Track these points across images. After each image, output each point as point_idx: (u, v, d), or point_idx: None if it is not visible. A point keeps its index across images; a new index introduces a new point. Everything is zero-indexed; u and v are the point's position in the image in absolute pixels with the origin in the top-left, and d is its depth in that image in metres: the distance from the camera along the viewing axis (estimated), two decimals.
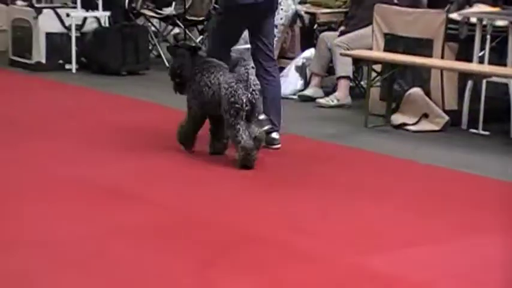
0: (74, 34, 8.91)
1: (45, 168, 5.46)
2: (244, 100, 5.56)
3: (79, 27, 9.03)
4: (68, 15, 8.97)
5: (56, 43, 8.93)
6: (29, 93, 7.92)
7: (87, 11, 9.19)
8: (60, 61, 8.94)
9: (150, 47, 9.51)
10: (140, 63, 9.04)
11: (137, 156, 5.85)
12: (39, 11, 8.97)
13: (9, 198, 4.84)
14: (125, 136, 6.35)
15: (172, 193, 5.07)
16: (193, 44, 6.21)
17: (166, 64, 9.32)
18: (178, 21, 9.53)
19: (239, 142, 5.55)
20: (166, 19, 9.71)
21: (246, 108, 5.57)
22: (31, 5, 9.31)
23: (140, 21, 9.82)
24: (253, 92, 5.60)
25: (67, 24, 8.97)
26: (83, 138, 6.25)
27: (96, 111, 7.25)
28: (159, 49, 9.58)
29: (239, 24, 6.12)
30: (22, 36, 9.00)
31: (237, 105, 5.54)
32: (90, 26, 9.08)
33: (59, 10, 9.08)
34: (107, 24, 9.18)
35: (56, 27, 8.96)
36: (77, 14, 9.05)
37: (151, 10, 9.77)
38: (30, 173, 5.35)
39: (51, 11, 9.02)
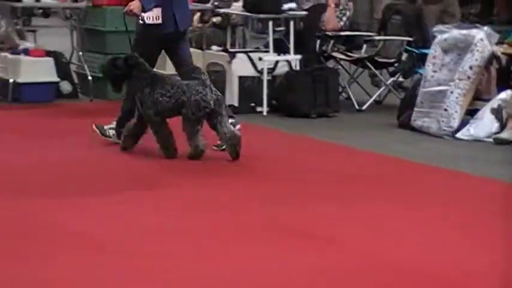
0: (265, 77, 9.04)
1: (240, 210, 5.52)
2: (212, 102, 6.60)
3: (271, 71, 9.15)
4: (260, 59, 9.12)
5: (248, 86, 9.09)
6: None
7: (279, 55, 9.32)
8: (252, 104, 9.08)
9: (340, 90, 9.49)
10: (330, 105, 9.03)
11: (326, 199, 5.80)
12: (233, 55, 9.17)
13: (206, 239, 4.91)
14: (313, 178, 6.33)
15: (366, 237, 4.98)
16: (132, 56, 6.83)
17: (356, 107, 9.27)
18: (368, 64, 9.47)
19: (195, 142, 6.60)
20: (356, 61, 9.67)
21: (213, 107, 6.59)
22: (225, 50, 9.54)
23: (331, 64, 9.83)
24: (216, 93, 6.66)
25: (259, 68, 9.11)
26: (272, 179, 6.28)
27: (285, 153, 7.27)
28: (349, 92, 9.54)
29: (161, 48, 7.11)
30: (216, 80, 9.19)
31: (206, 109, 6.59)
32: (282, 69, 9.18)
33: (251, 54, 9.24)
34: (298, 68, 9.26)
35: (249, 71, 9.11)
36: (269, 58, 9.18)
37: (341, 53, 9.77)
38: (226, 214, 5.41)
39: (244, 56, 9.20)
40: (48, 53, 9.40)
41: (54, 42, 10.29)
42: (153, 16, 6.90)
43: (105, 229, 5.01)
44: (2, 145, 7.15)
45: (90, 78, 9.40)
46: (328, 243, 4.84)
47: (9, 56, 9.34)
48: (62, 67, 9.44)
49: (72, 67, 9.89)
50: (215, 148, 7.00)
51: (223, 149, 6.89)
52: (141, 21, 6.86)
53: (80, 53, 9.69)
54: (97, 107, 9.13)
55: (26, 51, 9.31)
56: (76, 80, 9.75)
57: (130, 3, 6.84)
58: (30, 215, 5.22)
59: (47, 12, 16.65)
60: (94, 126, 7.22)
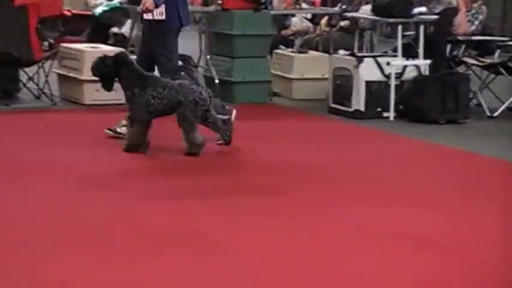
0: (393, 82, 8.89)
1: (338, 214, 5.46)
2: (207, 98, 6.77)
3: (399, 76, 8.99)
4: (388, 63, 8.98)
5: (375, 91, 8.96)
6: (344, 141, 7.94)
7: (407, 59, 9.15)
8: (379, 109, 8.94)
9: (470, 96, 9.23)
10: (460, 112, 8.79)
11: (446, 208, 5.66)
12: (360, 59, 9.06)
13: (293, 242, 4.89)
14: (432, 185, 6.23)
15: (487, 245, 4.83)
16: (121, 55, 6.94)
17: (488, 113, 9.00)
18: (502, 70, 9.16)
19: (192, 139, 6.70)
20: (488, 67, 9.38)
21: (208, 103, 6.76)
22: (353, 54, 9.43)
23: (461, 69, 9.59)
24: (208, 90, 6.88)
25: (386, 72, 8.97)
26: (383, 186, 6.21)
27: (408, 160, 7.13)
28: (480, 98, 9.27)
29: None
30: (342, 84, 9.13)
31: (203, 106, 6.73)
32: (410, 74, 9.01)
33: (379, 59, 9.11)
34: (427, 73, 9.06)
35: (376, 76, 8.98)
36: (397, 62, 9.03)
37: (473, 58, 9.50)
38: (321, 218, 5.37)
39: (371, 60, 9.07)
40: None
41: (183, 45, 10.40)
42: (157, 12, 7.00)
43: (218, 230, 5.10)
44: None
45: (217, 81, 9.46)
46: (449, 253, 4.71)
47: None
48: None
49: (200, 70, 9.98)
50: (220, 142, 7.03)
51: (226, 141, 6.95)
52: (145, 17, 7.03)
53: (208, 57, 9.78)
54: None
55: None
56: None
57: (143, 2, 6.98)
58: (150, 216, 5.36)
59: None
60: (106, 130, 7.28)
